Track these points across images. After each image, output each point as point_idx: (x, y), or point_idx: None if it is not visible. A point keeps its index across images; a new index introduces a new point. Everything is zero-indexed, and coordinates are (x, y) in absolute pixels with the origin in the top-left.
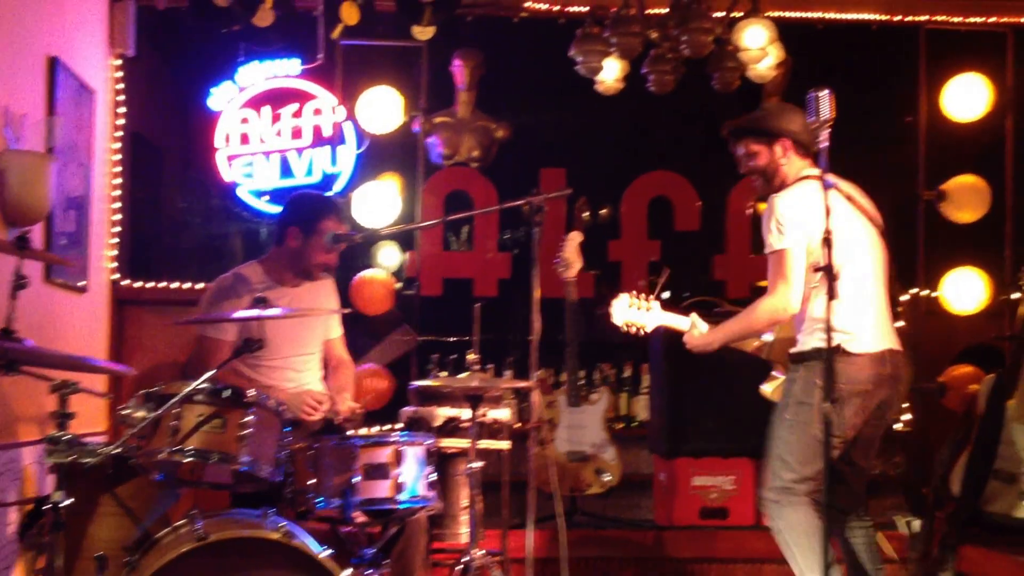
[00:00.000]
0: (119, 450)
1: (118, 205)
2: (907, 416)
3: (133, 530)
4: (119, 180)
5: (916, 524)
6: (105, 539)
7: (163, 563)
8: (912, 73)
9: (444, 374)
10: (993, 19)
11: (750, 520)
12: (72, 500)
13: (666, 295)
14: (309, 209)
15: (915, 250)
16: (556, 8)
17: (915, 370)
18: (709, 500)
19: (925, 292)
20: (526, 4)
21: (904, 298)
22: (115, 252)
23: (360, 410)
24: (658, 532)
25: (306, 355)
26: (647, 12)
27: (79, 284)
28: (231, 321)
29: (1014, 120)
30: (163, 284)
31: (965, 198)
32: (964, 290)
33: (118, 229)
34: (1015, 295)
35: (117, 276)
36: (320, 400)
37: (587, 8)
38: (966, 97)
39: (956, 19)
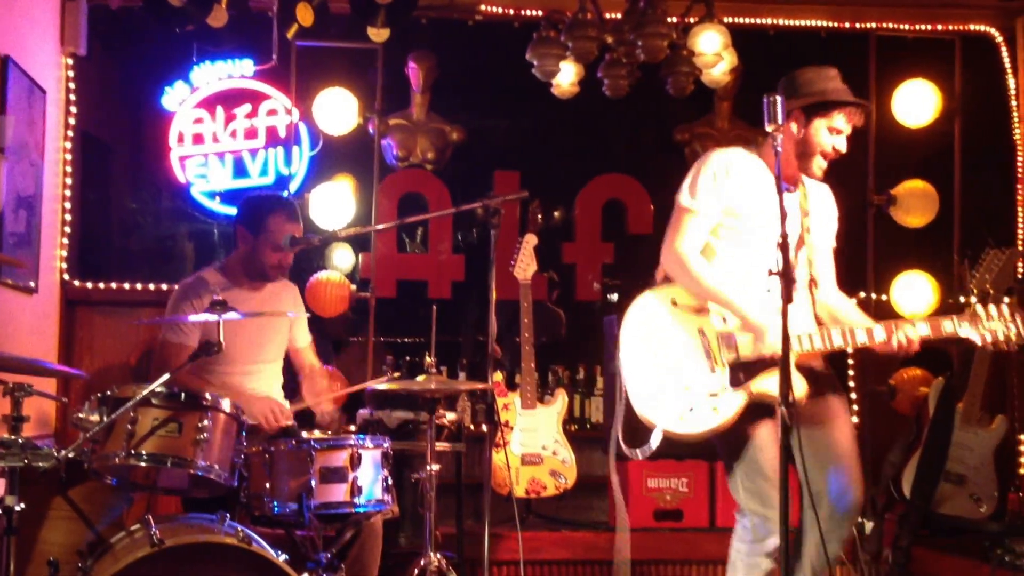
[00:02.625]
0: (73, 454)
1: (69, 205)
2: (856, 418)
3: (86, 534)
4: (70, 180)
5: (868, 526)
6: (58, 543)
7: (117, 568)
8: (862, 79)
9: (398, 376)
10: (941, 27)
11: (704, 522)
12: (24, 504)
13: (614, 297)
14: (255, 208)
15: (865, 254)
16: (511, 11)
17: (865, 373)
18: (663, 502)
19: (875, 295)
20: (481, 7)
21: (854, 301)
22: (65, 252)
23: (337, 418)
24: (612, 534)
25: (266, 363)
26: (603, 16)
27: (29, 285)
28: (193, 328)
29: (962, 126)
30: (114, 285)
31: (914, 203)
32: (913, 293)
33: (68, 229)
34: (963, 299)
35: (67, 277)
36: (283, 412)
37: (542, 12)
38: (915, 103)
39: (905, 26)
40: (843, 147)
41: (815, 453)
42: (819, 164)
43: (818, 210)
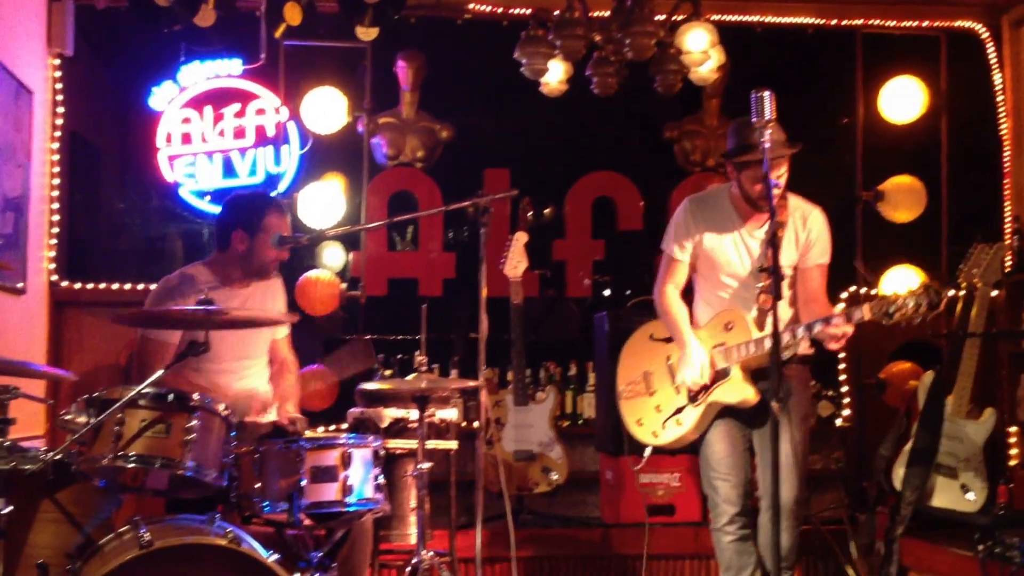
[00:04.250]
0: (60, 456)
1: (57, 206)
2: (847, 412)
3: (75, 537)
4: (58, 181)
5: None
6: (46, 546)
7: (106, 571)
8: (849, 76)
9: (390, 374)
10: (927, 23)
11: (696, 516)
12: (12, 507)
13: (607, 292)
14: (249, 208)
15: (853, 249)
16: (499, 10)
17: (856, 367)
18: (656, 497)
19: (864, 290)
20: (469, 6)
21: (844, 296)
22: (53, 253)
23: (303, 421)
24: (605, 530)
25: (252, 359)
26: (591, 15)
27: (17, 286)
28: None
29: (948, 122)
30: (103, 285)
31: (902, 198)
32: (902, 288)
33: (56, 230)
34: (951, 293)
35: (55, 278)
36: (267, 404)
37: (530, 10)
38: (902, 99)
39: (891, 23)
40: (778, 190)
41: (762, 456)
42: (764, 204)
43: (794, 234)
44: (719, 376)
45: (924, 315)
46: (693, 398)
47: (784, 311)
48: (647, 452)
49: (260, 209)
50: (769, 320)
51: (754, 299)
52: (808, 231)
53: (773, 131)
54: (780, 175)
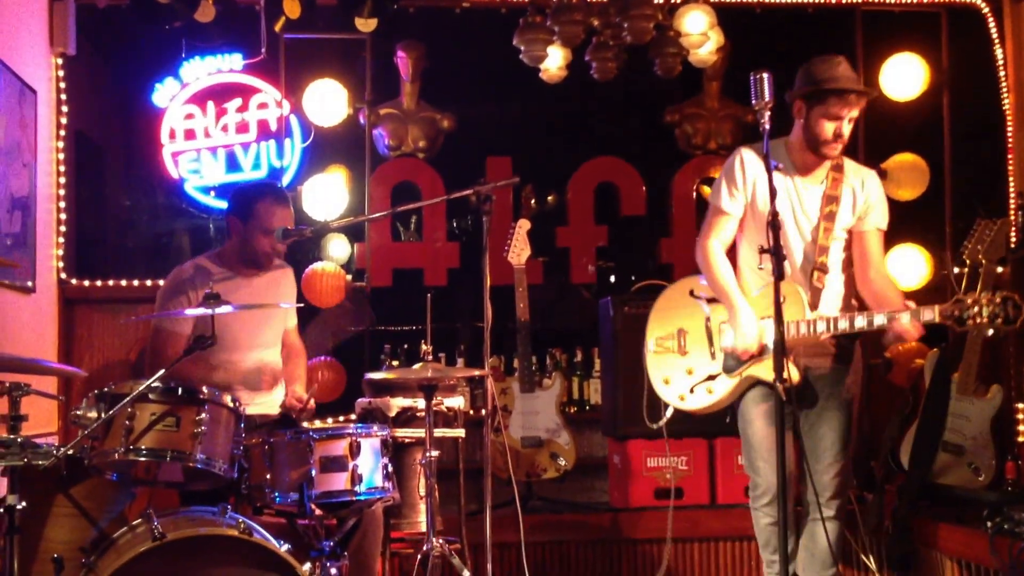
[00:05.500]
0: (72, 451)
1: (64, 204)
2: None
3: (89, 531)
4: (64, 179)
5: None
6: (61, 540)
7: (120, 563)
8: (849, 54)
9: (397, 364)
10: (927, 0)
11: (705, 499)
12: (26, 503)
13: (612, 279)
14: (243, 196)
15: None
16: None
17: (861, 346)
18: (663, 481)
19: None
20: None
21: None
22: (61, 251)
23: (310, 401)
24: (614, 514)
25: (264, 347)
26: (588, 0)
27: (26, 285)
28: (187, 316)
29: (950, 98)
30: (111, 282)
31: (905, 176)
32: (906, 266)
33: (64, 228)
34: (956, 270)
35: (64, 276)
36: (277, 377)
37: None
38: (903, 77)
39: (891, 0)
40: (844, 132)
41: (807, 441)
42: (829, 149)
43: (851, 197)
44: (761, 350)
45: (997, 328)
46: (729, 368)
47: (836, 279)
48: (668, 412)
49: (253, 197)
50: (823, 299)
51: (807, 272)
52: (867, 194)
53: (847, 69)
54: (852, 118)
